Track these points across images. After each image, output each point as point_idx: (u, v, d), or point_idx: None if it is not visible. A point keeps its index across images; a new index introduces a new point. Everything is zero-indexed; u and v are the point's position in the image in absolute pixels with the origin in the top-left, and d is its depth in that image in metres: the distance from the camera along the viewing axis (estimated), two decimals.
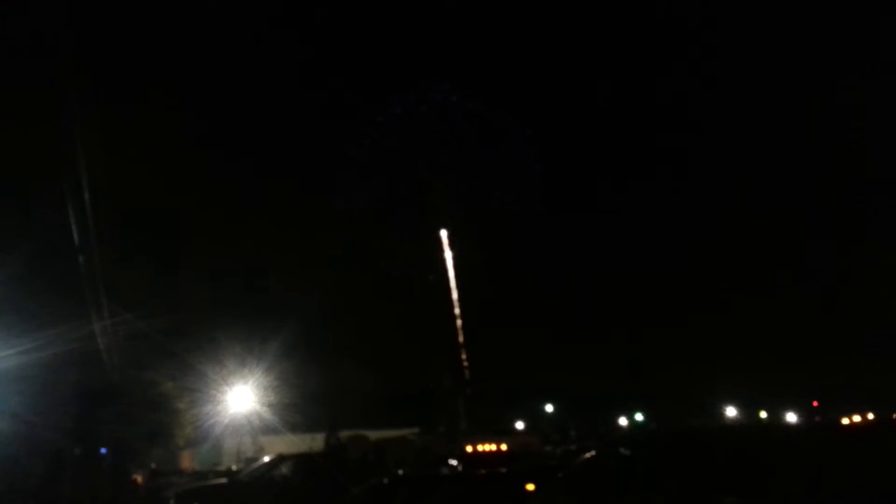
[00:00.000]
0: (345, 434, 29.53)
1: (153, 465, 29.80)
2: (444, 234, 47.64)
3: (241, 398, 34.66)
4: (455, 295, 48.75)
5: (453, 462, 19.22)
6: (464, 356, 46.73)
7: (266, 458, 21.50)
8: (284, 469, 18.38)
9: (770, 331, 53.80)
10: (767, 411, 45.27)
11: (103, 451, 23.69)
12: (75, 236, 21.78)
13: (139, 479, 26.19)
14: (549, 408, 52.45)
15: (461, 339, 47.90)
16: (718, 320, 55.61)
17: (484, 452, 20.52)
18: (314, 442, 29.89)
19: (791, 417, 42.69)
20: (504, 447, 21.61)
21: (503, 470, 12.93)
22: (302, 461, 19.03)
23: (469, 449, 21.84)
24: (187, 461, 37.55)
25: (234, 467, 29.55)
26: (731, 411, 46.69)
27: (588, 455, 7.79)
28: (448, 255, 48.56)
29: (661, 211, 66.66)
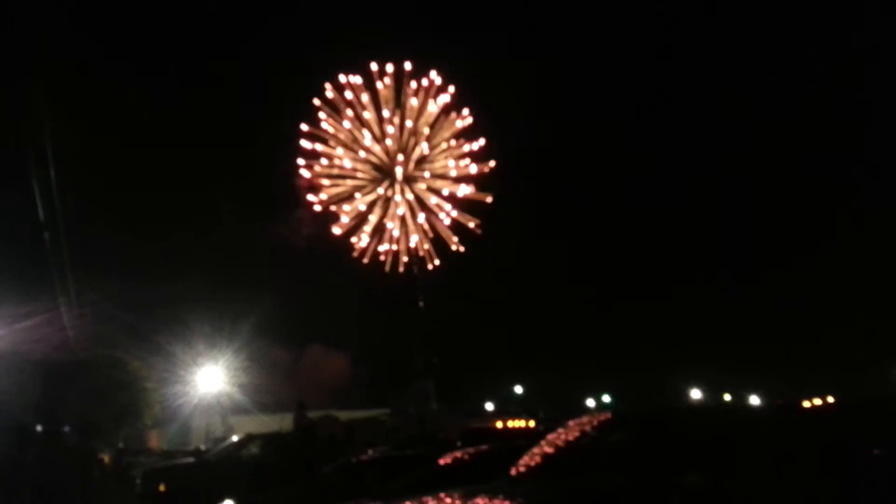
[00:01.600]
0: (315, 414, 29.54)
1: (120, 445, 29.58)
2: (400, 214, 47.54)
3: (210, 378, 34.53)
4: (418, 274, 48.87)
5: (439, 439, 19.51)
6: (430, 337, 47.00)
7: (234, 438, 21.47)
8: (253, 448, 18.38)
9: (735, 315, 54.62)
10: (731, 394, 46.17)
11: (68, 429, 23.43)
12: (40, 213, 21.46)
13: (106, 458, 25.98)
14: (518, 389, 52.96)
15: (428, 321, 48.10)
16: (685, 303, 56.27)
17: (513, 429, 21.50)
18: (284, 422, 29.85)
19: (754, 400, 43.55)
20: (532, 424, 22.64)
21: (471, 450, 13.05)
22: (271, 440, 19.04)
23: (500, 425, 22.71)
24: (155, 441, 37.34)
25: (202, 447, 29.46)
26: (695, 394, 47.52)
27: (554, 435, 7.91)
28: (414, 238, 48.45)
29: (631, 188, 66.95)
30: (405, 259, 48.00)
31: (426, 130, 47.73)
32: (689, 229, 62.75)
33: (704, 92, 71.08)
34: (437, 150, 48.41)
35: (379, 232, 47.81)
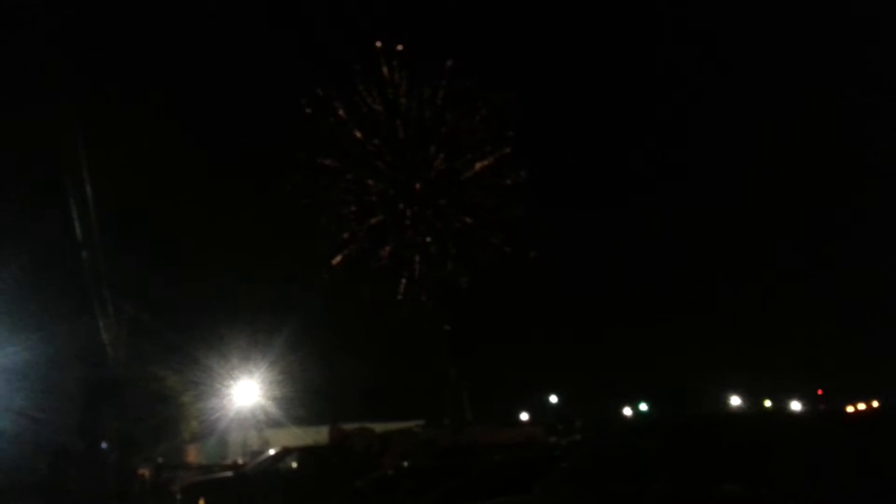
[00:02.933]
0: (349, 426, 29.61)
1: (159, 460, 29.92)
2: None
3: (246, 392, 34.77)
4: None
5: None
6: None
7: (271, 452, 21.58)
8: (289, 462, 18.46)
9: (775, 320, 53.70)
10: (772, 400, 45.31)
11: (107, 446, 23.77)
12: (78, 231, 21.83)
13: (145, 473, 26.30)
14: (553, 399, 52.54)
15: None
16: (723, 310, 55.50)
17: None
18: (319, 435, 29.97)
19: (795, 406, 42.71)
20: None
21: (507, 460, 12.96)
22: (307, 454, 19.11)
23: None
24: (193, 455, 37.69)
25: (239, 461, 29.65)
26: (735, 400, 46.71)
27: (591, 444, 7.80)
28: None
29: (661, 201, 66.41)
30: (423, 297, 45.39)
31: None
32: (728, 233, 61.83)
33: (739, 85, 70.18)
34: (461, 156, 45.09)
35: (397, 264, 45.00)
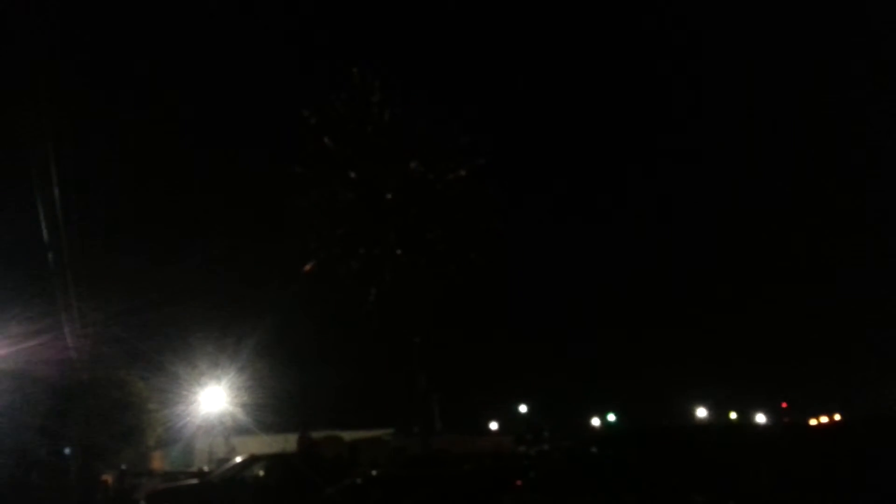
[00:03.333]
0: (319, 434, 29.41)
1: (123, 466, 29.42)
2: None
3: (213, 398, 34.38)
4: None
5: None
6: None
7: (238, 459, 21.36)
8: (257, 469, 18.28)
9: (742, 333, 54.48)
10: (737, 412, 45.92)
11: (70, 451, 23.37)
12: (45, 234, 21.47)
13: (109, 479, 25.86)
14: (522, 408, 52.70)
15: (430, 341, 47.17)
16: (690, 322, 56.19)
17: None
18: (287, 443, 29.73)
19: (760, 418, 43.31)
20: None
21: (476, 469, 12.99)
22: (275, 461, 18.93)
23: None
24: (158, 462, 37.14)
25: (205, 468, 29.29)
26: (701, 412, 47.25)
27: (559, 454, 7.88)
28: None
29: (637, 212, 67.22)
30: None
31: None
32: (695, 248, 62.80)
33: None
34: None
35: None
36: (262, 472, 18.03)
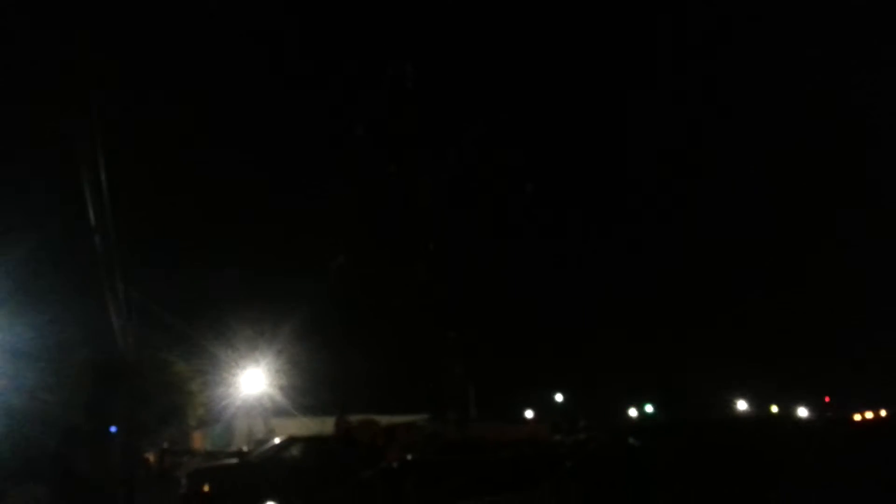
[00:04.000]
0: (355, 418, 29.66)
1: (165, 445, 30.07)
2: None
3: (252, 380, 34.90)
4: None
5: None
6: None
7: (276, 440, 21.66)
8: (294, 451, 18.54)
9: (784, 326, 53.40)
10: (779, 406, 45.15)
11: (114, 429, 23.93)
12: (91, 216, 21.88)
13: (151, 457, 26.46)
14: (558, 397, 52.51)
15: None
16: (733, 314, 55.25)
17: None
18: (324, 425, 30.06)
19: (802, 412, 42.56)
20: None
21: (512, 457, 13.01)
22: (312, 444, 19.19)
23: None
24: (199, 442, 37.87)
25: (244, 448, 29.80)
26: (742, 405, 46.57)
27: (597, 444, 7.82)
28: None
29: (671, 208, 66.23)
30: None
31: None
32: (737, 239, 61.69)
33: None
34: None
35: None
36: (299, 454, 18.28)
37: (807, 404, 42.86)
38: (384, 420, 30.18)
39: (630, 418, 47.89)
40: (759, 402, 45.77)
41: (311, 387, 34.64)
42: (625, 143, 66.98)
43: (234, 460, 21.51)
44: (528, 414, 49.95)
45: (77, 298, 21.53)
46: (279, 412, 35.13)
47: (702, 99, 71.61)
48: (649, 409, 47.44)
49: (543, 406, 51.31)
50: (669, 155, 66.77)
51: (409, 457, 15.86)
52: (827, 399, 42.42)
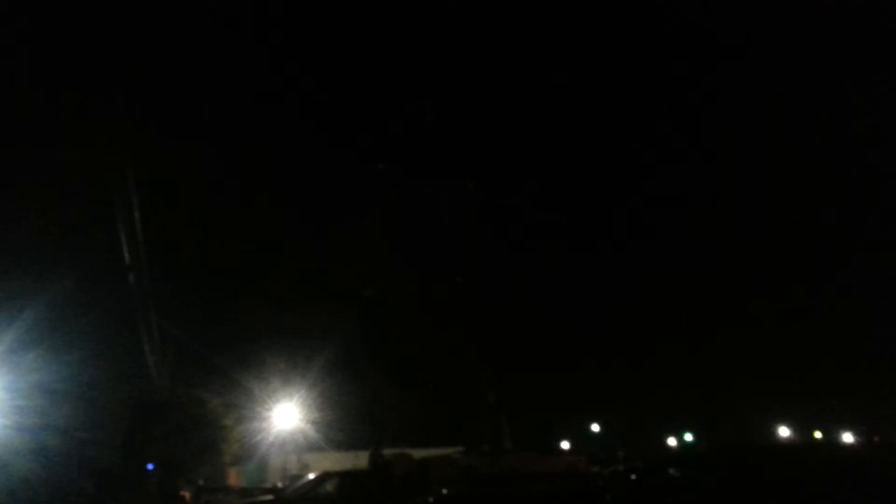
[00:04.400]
0: (389, 452, 29.41)
1: (200, 482, 30.10)
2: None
3: (286, 415, 34.94)
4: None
5: None
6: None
7: (311, 476, 21.55)
8: (329, 487, 18.39)
9: (823, 350, 52.15)
10: (822, 432, 43.91)
11: (150, 466, 24.03)
12: (126, 255, 22.27)
13: (187, 495, 26.49)
14: (595, 427, 51.71)
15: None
16: (771, 339, 54.10)
17: None
18: (358, 459, 29.87)
19: (847, 438, 41.33)
20: None
21: (549, 490, 12.75)
22: (347, 479, 19.02)
23: None
24: (234, 478, 37.89)
25: (279, 484, 29.69)
26: (783, 431, 45.39)
27: (636, 475, 7.62)
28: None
29: (699, 223, 65.41)
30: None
31: None
32: (777, 258, 60.36)
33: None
34: None
35: None
36: (334, 489, 18.14)
37: (851, 428, 41.63)
38: (418, 454, 29.93)
39: (669, 447, 46.94)
40: (801, 428, 44.61)
41: (343, 421, 34.58)
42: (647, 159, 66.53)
43: (268, 497, 21.42)
44: (564, 444, 49.23)
45: (113, 337, 21.81)
46: (312, 447, 35.08)
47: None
48: (689, 437, 46.45)
49: (580, 436, 50.59)
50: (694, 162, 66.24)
51: (444, 491, 15.65)
52: (876, 439, 41.08)
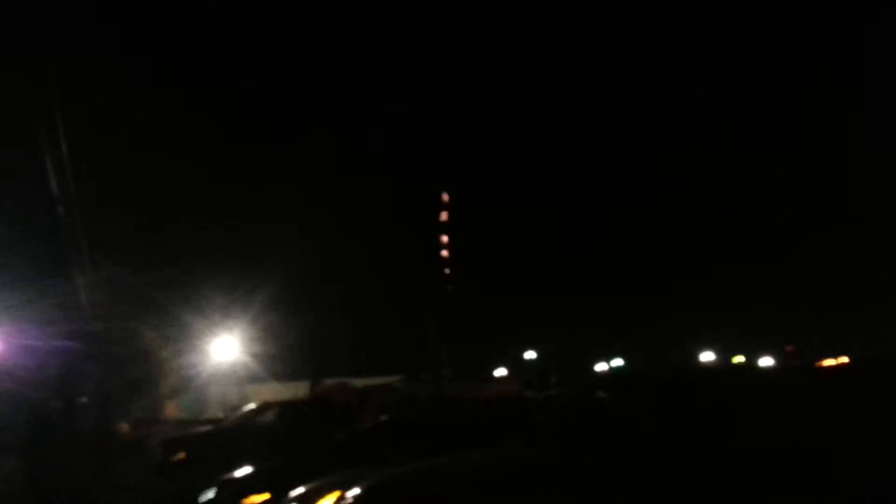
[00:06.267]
0: (329, 382, 29.82)
1: (137, 415, 29.97)
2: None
3: (225, 348, 34.87)
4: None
5: None
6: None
7: (250, 407, 21.74)
8: (269, 416, 18.66)
9: (748, 281, 54.38)
10: (744, 356, 46.18)
11: (85, 400, 23.77)
12: (54, 186, 21.49)
13: (125, 428, 26.35)
14: (529, 354, 53.20)
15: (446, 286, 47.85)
16: (700, 268, 56.09)
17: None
18: (299, 390, 30.23)
19: (766, 361, 43.53)
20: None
21: (485, 414, 13.21)
22: (286, 409, 19.31)
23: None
24: (172, 410, 37.80)
25: (219, 415, 29.86)
26: (708, 355, 47.60)
27: (566, 399, 7.98)
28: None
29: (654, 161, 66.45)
30: None
31: None
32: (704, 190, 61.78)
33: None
34: None
35: None
36: (273, 419, 18.40)
37: (770, 353, 43.80)
38: (358, 383, 30.42)
39: (599, 372, 48.75)
40: (724, 354, 46.80)
41: (284, 353, 34.73)
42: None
43: (208, 427, 21.60)
44: (501, 372, 50.60)
45: (45, 271, 21.23)
46: (253, 379, 35.22)
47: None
48: (618, 362, 48.32)
49: (516, 364, 51.97)
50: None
51: (383, 418, 16.03)
52: (789, 348, 43.33)
